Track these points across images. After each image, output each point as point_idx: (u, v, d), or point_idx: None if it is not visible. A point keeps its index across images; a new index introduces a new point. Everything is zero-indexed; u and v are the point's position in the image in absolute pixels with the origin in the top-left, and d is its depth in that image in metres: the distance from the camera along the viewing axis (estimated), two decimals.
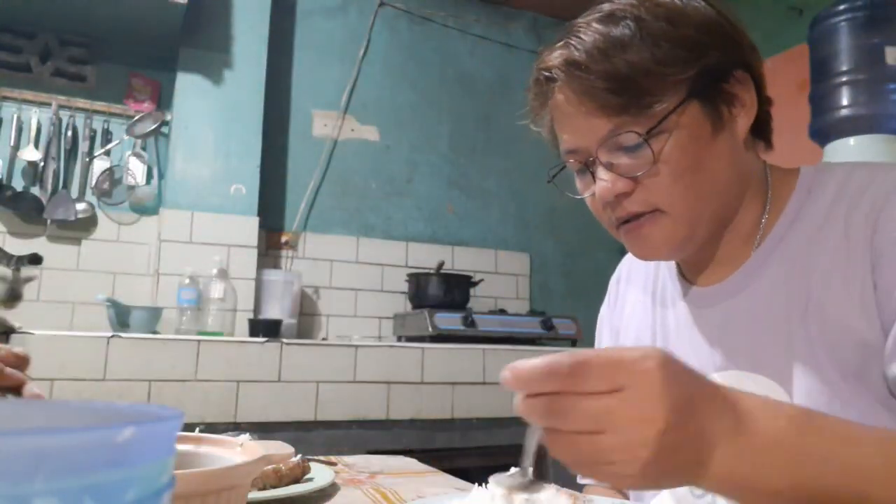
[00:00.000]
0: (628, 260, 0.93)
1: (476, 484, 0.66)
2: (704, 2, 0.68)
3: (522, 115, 0.78)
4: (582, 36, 0.66)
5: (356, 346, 1.97)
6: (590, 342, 2.60)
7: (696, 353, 0.74)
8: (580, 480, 0.87)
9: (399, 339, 2.51)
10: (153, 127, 2.42)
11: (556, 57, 0.68)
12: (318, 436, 1.86)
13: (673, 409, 0.45)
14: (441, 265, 2.51)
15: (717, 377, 0.70)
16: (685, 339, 0.76)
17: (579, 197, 0.74)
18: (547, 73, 0.69)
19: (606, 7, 0.67)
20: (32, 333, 1.65)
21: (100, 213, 2.38)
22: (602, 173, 0.67)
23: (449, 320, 2.27)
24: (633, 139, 0.64)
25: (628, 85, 0.63)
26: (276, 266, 2.56)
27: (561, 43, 0.68)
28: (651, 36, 0.64)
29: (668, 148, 0.64)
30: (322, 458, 1.04)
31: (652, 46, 0.63)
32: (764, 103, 0.71)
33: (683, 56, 0.64)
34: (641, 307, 0.86)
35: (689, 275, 0.79)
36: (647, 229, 0.68)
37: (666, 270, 0.83)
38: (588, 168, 0.69)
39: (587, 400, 0.44)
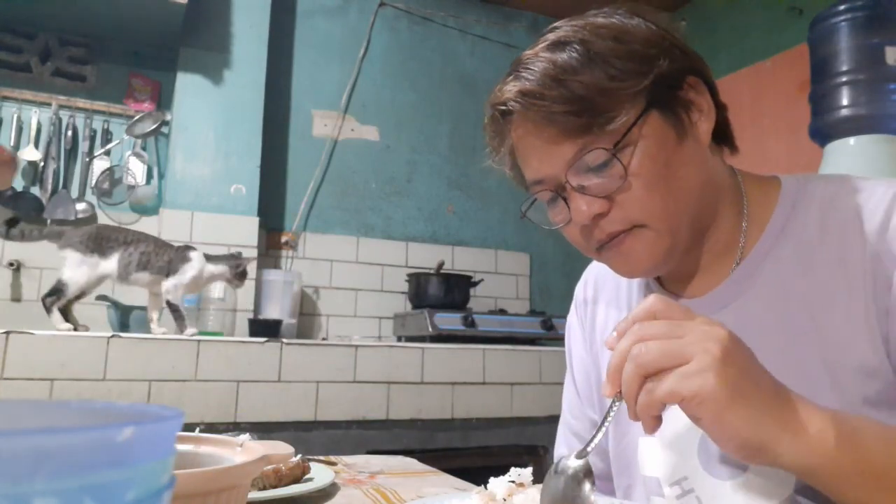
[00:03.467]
0: (595, 268, 0.90)
1: (476, 484, 0.66)
2: (645, 21, 0.67)
3: (486, 156, 0.75)
4: (531, 67, 0.65)
5: (356, 346, 1.97)
6: None
7: None
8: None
9: (399, 339, 2.51)
10: (153, 127, 2.42)
11: (508, 90, 0.66)
12: (318, 436, 1.86)
13: (735, 338, 0.53)
14: (441, 265, 2.51)
15: None
16: None
17: (554, 227, 0.71)
18: (502, 108, 0.67)
19: (551, 36, 0.67)
20: (32, 333, 1.65)
21: (100, 213, 2.38)
22: (575, 198, 0.65)
23: (449, 320, 2.27)
24: (601, 156, 0.63)
25: (586, 105, 0.62)
26: (276, 266, 2.56)
27: (511, 77, 0.67)
28: (600, 55, 0.63)
29: (636, 160, 0.63)
30: (322, 458, 1.05)
31: (603, 65, 0.63)
32: (721, 108, 0.70)
33: (635, 69, 0.63)
34: (616, 315, 0.83)
35: (668, 286, 0.77)
36: (628, 244, 0.67)
37: (640, 280, 0.81)
38: (559, 195, 0.67)
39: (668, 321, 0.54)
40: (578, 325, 0.90)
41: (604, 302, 0.86)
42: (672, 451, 0.72)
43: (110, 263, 1.83)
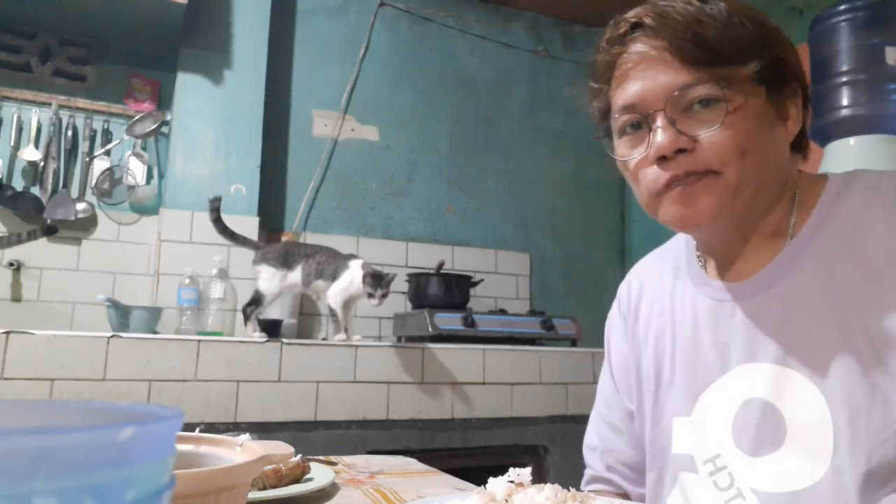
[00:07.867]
0: (640, 266, 0.94)
1: (476, 484, 0.66)
2: (768, 20, 0.73)
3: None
4: (673, 2, 0.69)
5: (356, 346, 1.97)
6: (589, 342, 2.57)
7: (720, 347, 0.75)
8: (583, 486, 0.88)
9: (399, 339, 2.51)
10: (153, 127, 2.42)
11: (646, 8, 0.70)
12: (318, 436, 1.86)
13: None
14: (441, 265, 2.51)
15: (743, 368, 0.72)
16: (706, 333, 0.77)
17: (623, 159, 0.74)
18: (635, 20, 0.70)
19: None
20: (32, 333, 1.65)
21: (100, 213, 2.38)
22: (665, 127, 0.67)
23: (449, 320, 2.27)
24: (709, 92, 0.66)
25: (715, 46, 0.66)
26: None
27: (650, 4, 0.71)
28: (737, 16, 0.68)
29: (738, 113, 0.67)
30: (322, 458, 1.05)
31: (740, 26, 0.67)
32: (805, 124, 0.75)
33: (760, 44, 0.68)
34: (659, 307, 0.86)
35: (714, 273, 0.80)
36: (698, 188, 0.68)
37: (685, 270, 0.84)
38: (647, 122, 0.69)
39: None
40: (620, 319, 0.93)
41: (647, 299, 0.89)
42: (704, 429, 0.74)
43: (295, 275, 2.00)
